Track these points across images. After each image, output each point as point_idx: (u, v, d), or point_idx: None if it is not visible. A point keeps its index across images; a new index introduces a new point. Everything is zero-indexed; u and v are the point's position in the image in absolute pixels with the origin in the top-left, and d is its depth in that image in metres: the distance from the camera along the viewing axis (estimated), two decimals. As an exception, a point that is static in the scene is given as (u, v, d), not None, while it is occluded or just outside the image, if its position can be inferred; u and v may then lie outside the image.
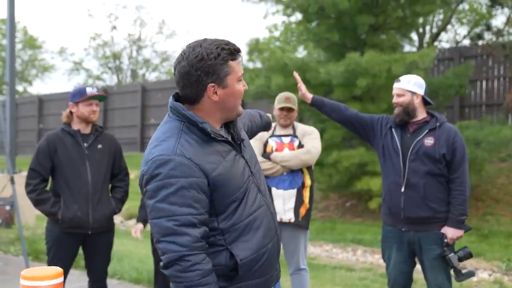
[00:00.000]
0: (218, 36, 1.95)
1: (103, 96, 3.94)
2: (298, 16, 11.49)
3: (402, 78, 3.76)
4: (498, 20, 16.11)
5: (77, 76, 28.78)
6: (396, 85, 3.72)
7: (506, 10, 10.99)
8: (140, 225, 4.17)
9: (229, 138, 1.98)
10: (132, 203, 8.16)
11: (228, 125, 2.03)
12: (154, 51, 29.38)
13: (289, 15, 12.02)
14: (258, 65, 11.52)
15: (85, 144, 3.78)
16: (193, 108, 1.94)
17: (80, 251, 3.95)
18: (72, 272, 6.25)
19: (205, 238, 1.82)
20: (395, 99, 3.69)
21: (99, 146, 3.84)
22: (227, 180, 1.87)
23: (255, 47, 10.20)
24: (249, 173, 1.98)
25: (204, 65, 1.85)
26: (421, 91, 3.68)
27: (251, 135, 2.49)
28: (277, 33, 18.11)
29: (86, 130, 3.82)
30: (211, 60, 1.85)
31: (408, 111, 3.64)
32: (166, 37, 32.09)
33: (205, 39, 1.91)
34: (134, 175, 6.63)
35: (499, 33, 11.03)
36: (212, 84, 1.88)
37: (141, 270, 6.13)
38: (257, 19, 48.16)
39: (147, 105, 18.30)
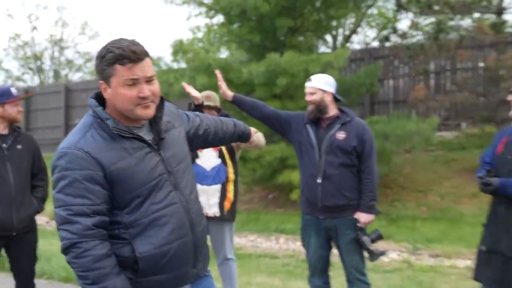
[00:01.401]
0: (140, 36, 1.95)
1: (30, 97, 3.81)
2: (220, 18, 11.47)
3: (313, 77, 3.87)
4: (403, 23, 16.86)
5: (-4, 78, 27.17)
6: (308, 84, 3.83)
7: (410, 14, 11.47)
8: None
9: (145, 136, 1.95)
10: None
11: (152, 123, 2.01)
12: (77, 52, 28.05)
13: (211, 17, 11.98)
14: (183, 65, 11.41)
15: (4, 145, 3.60)
16: (106, 105, 1.96)
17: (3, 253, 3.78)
18: (-3, 274, 5.98)
19: (100, 227, 1.81)
20: (307, 97, 3.80)
21: (19, 146, 3.67)
22: (129, 175, 1.85)
23: (179, 48, 10.08)
24: (163, 171, 1.94)
25: (96, 63, 1.91)
26: (331, 89, 3.80)
27: (219, 141, 2.51)
28: (200, 35, 17.97)
29: (4, 131, 3.64)
30: (98, 59, 1.90)
31: (320, 108, 3.75)
32: (89, 38, 30.71)
33: (115, 40, 1.92)
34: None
35: (404, 35, 11.48)
36: (101, 82, 1.90)
37: (70, 269, 5.93)
38: (181, 20, 47.54)
39: (71, 105, 17.55)
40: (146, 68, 1.88)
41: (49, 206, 4.60)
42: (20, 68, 27.24)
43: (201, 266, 2.08)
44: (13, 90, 3.66)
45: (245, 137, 2.64)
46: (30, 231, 3.77)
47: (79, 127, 1.93)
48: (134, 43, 1.88)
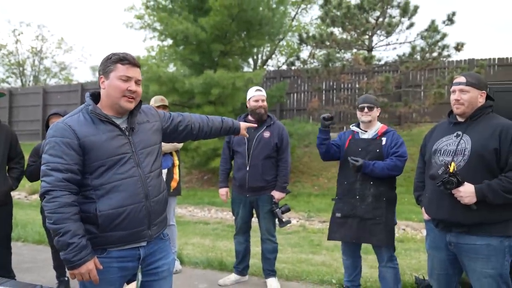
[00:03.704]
0: (105, 52, 1.93)
1: (1, 94, 3.47)
2: (169, 41, 11.18)
3: (261, 88, 3.77)
4: (304, 53, 17.25)
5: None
6: (260, 93, 3.70)
7: (309, 47, 11.78)
8: None
9: (122, 124, 1.91)
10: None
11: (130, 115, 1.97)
12: (54, 62, 26.13)
13: (162, 41, 11.66)
14: (139, 76, 10.98)
15: None
16: (100, 100, 1.95)
17: None
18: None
19: (71, 182, 1.78)
20: (260, 103, 3.65)
21: None
22: (97, 147, 1.82)
23: (137, 62, 9.72)
24: (128, 151, 1.88)
25: (102, 63, 1.93)
26: None
27: (205, 135, 2.31)
28: (153, 53, 17.41)
29: None
30: (105, 60, 1.93)
31: (266, 111, 3.71)
32: (64, 51, 28.80)
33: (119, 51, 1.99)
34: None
35: (304, 62, 11.75)
36: (101, 76, 1.92)
37: (42, 233, 5.52)
38: (138, 42, 45.80)
39: (47, 104, 16.52)
40: (137, 73, 1.93)
41: (25, 183, 4.23)
42: (5, 72, 25.08)
43: (156, 229, 1.97)
44: None
45: (233, 131, 2.44)
46: (6, 203, 3.47)
47: (73, 112, 1.95)
48: (133, 56, 1.98)
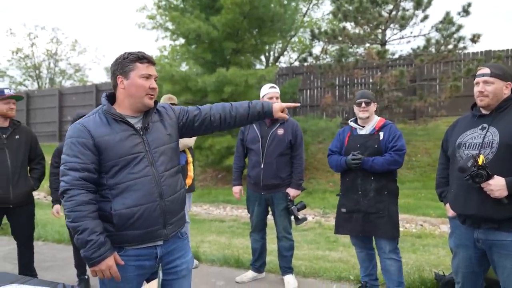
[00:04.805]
0: (118, 52, 1.95)
1: (19, 96, 3.53)
2: (181, 40, 11.22)
3: (275, 85, 3.73)
4: (317, 49, 17.19)
5: (1, 82, 25.28)
6: (275, 90, 3.66)
7: (321, 43, 11.70)
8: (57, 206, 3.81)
9: (137, 124, 1.91)
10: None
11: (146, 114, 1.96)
12: (69, 64, 26.63)
13: (174, 40, 11.73)
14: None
15: (4, 136, 3.41)
16: (115, 101, 1.96)
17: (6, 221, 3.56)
18: (2, 238, 5.58)
19: (88, 180, 1.81)
20: (274, 100, 3.58)
21: (17, 136, 3.48)
22: (111, 147, 1.83)
23: (150, 62, 9.79)
24: (142, 150, 1.87)
25: (117, 63, 1.92)
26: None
27: (228, 125, 2.09)
28: (166, 53, 17.50)
29: (5, 124, 3.44)
30: (120, 60, 1.92)
31: None
32: (78, 53, 29.25)
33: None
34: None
35: (317, 58, 11.70)
36: (119, 76, 1.91)
37: (62, 232, 5.63)
38: (151, 41, 46.11)
39: (63, 105, 16.78)
40: (155, 71, 1.96)
41: (45, 183, 4.30)
42: (22, 75, 25.61)
43: (172, 228, 1.95)
44: (6, 91, 3.41)
45: (264, 115, 2.10)
46: (28, 204, 3.55)
47: (90, 112, 1.97)
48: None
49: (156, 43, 29.93)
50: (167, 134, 1.99)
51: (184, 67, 11.81)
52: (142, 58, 1.90)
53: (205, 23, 9.53)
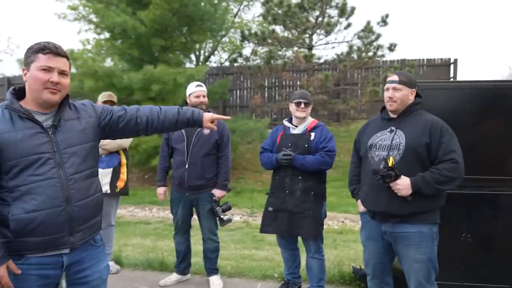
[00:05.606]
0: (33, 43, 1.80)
1: None
2: (106, 34, 10.65)
3: (202, 84, 3.67)
4: (247, 50, 17.29)
5: None
6: (201, 89, 3.60)
7: (251, 44, 11.82)
8: None
9: (46, 121, 1.75)
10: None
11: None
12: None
13: (99, 33, 11.05)
14: (73, 70, 10.38)
15: None
16: (26, 95, 1.81)
17: None
18: None
19: None
20: (201, 99, 3.55)
21: None
22: (11, 146, 1.67)
23: (70, 56, 9.13)
24: (49, 150, 1.72)
25: (25, 54, 1.80)
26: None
27: (155, 129, 2.00)
28: (89, 47, 16.47)
29: None
30: (27, 50, 1.79)
31: (207, 108, 3.59)
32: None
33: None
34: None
35: (247, 59, 11.82)
36: (24, 68, 1.79)
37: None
38: (73, 34, 43.19)
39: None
40: (61, 63, 1.77)
41: None
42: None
43: (81, 236, 1.80)
44: None
45: (193, 124, 2.03)
46: None
47: None
48: (58, 44, 1.80)
49: (78, 35, 28.05)
50: (81, 134, 1.83)
51: (109, 63, 11.23)
52: (44, 48, 1.74)
53: (132, 17, 9.16)
